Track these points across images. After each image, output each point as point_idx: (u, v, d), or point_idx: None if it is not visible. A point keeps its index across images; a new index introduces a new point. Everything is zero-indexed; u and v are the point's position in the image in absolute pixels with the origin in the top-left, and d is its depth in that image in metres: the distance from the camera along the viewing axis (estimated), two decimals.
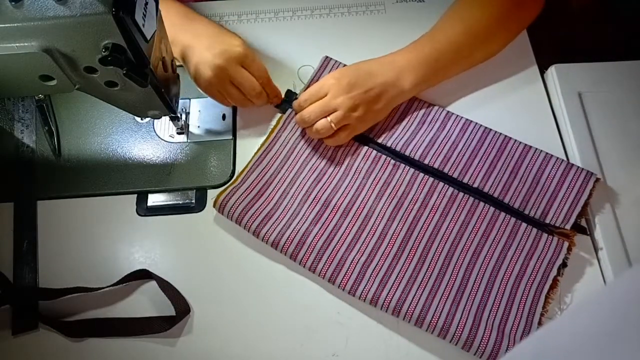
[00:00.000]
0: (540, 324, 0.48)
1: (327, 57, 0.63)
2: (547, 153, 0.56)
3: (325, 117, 0.54)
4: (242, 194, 0.54)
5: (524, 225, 0.52)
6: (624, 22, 0.89)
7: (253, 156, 0.57)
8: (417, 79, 0.56)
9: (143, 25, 0.40)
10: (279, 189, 0.55)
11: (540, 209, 0.53)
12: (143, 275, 0.52)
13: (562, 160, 0.55)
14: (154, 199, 0.57)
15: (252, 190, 0.55)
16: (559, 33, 0.85)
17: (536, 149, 0.56)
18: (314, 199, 0.54)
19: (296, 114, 0.57)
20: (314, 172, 0.56)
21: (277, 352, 0.49)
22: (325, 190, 0.55)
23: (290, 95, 0.61)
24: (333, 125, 0.54)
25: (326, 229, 0.53)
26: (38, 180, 0.57)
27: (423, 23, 0.61)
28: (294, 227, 0.52)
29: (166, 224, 0.55)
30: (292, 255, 0.51)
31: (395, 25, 0.66)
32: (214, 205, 0.54)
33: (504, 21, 0.59)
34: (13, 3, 0.38)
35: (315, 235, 0.52)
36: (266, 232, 0.52)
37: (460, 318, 0.48)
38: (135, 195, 0.57)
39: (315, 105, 0.55)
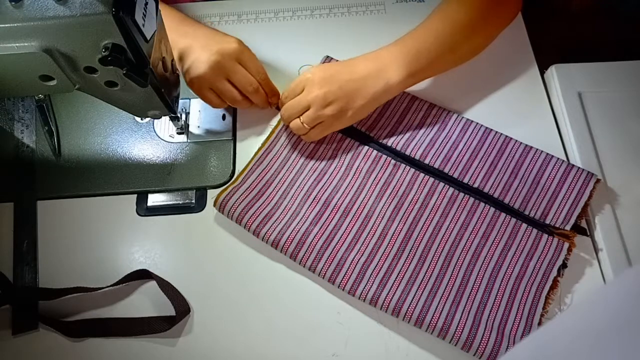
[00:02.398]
0: (540, 324, 0.48)
1: (327, 56, 0.63)
2: (547, 154, 0.56)
3: (299, 115, 0.54)
4: (242, 193, 0.54)
5: (524, 225, 0.52)
6: (624, 22, 0.89)
7: (253, 156, 0.57)
8: (402, 71, 0.54)
9: (143, 25, 0.40)
10: (279, 188, 0.55)
11: (540, 210, 0.53)
12: (143, 275, 0.52)
13: (563, 161, 0.55)
14: (154, 199, 0.57)
15: (252, 190, 0.55)
16: (559, 33, 0.85)
17: (537, 149, 0.56)
18: (314, 199, 0.54)
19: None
20: (314, 172, 0.56)
21: (277, 352, 0.49)
22: (326, 190, 0.55)
23: None
24: (305, 125, 0.53)
25: (326, 229, 0.53)
26: (38, 180, 0.57)
27: None
28: (294, 227, 0.52)
29: (166, 224, 0.55)
30: (292, 255, 0.51)
31: (395, 25, 0.66)
32: (215, 205, 0.54)
33: (486, 16, 0.58)
34: (13, 3, 0.38)
35: (316, 235, 0.52)
36: (266, 232, 0.52)
37: (460, 318, 0.47)
38: (135, 195, 0.57)
39: (290, 103, 0.54)
